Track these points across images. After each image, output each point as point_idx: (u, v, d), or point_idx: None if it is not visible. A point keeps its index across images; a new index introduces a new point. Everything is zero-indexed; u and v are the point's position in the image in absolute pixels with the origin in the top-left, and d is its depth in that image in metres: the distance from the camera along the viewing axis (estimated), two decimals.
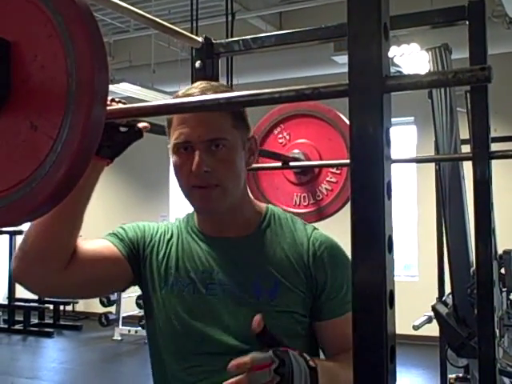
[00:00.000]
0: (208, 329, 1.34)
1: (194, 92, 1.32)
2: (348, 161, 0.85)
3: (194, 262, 1.39)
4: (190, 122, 1.31)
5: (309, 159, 2.56)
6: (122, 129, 1.28)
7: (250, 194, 1.51)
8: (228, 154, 1.33)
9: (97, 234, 1.43)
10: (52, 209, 0.77)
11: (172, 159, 1.36)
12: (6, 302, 9.53)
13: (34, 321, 9.21)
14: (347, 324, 0.79)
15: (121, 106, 1.04)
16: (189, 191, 1.34)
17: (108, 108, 0.81)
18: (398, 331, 0.82)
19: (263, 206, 1.49)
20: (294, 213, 1.61)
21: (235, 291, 1.35)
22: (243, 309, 1.33)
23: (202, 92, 1.30)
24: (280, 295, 1.34)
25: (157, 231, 1.47)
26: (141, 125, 1.30)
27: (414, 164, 7.34)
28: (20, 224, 0.81)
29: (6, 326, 9.07)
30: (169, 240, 1.44)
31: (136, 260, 1.42)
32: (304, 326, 1.37)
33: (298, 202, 2.61)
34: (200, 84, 1.37)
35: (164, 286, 1.40)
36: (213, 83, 1.41)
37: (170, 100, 0.99)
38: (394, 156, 0.85)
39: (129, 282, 1.44)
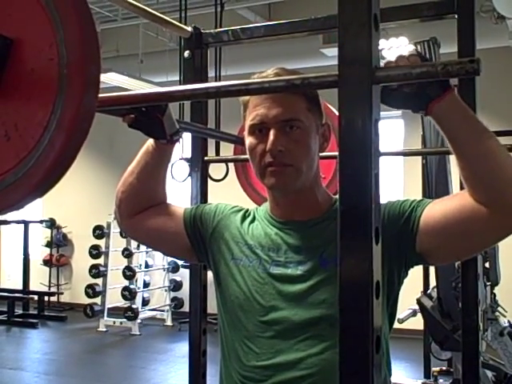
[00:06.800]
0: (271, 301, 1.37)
1: (269, 74, 1.36)
2: (335, 153, 0.85)
3: (263, 241, 1.43)
4: (265, 103, 1.35)
5: None
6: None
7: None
8: (302, 135, 1.35)
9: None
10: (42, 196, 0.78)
11: (246, 141, 1.40)
12: None
13: (19, 311, 9.13)
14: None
15: (112, 94, 1.03)
16: (263, 171, 1.37)
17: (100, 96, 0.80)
18: None
19: (331, 194, 1.51)
20: None
21: (299, 266, 1.37)
22: (310, 279, 1.35)
23: (276, 75, 1.35)
24: None
25: (231, 210, 1.54)
26: None
27: (401, 157, 7.36)
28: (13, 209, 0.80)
29: None
30: (243, 219, 1.50)
31: (196, 237, 1.52)
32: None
33: None
34: (276, 68, 1.40)
35: (231, 259, 1.45)
36: (288, 69, 1.41)
37: (161, 88, 0.99)
38: (381, 149, 0.86)
39: (187, 252, 1.55)
